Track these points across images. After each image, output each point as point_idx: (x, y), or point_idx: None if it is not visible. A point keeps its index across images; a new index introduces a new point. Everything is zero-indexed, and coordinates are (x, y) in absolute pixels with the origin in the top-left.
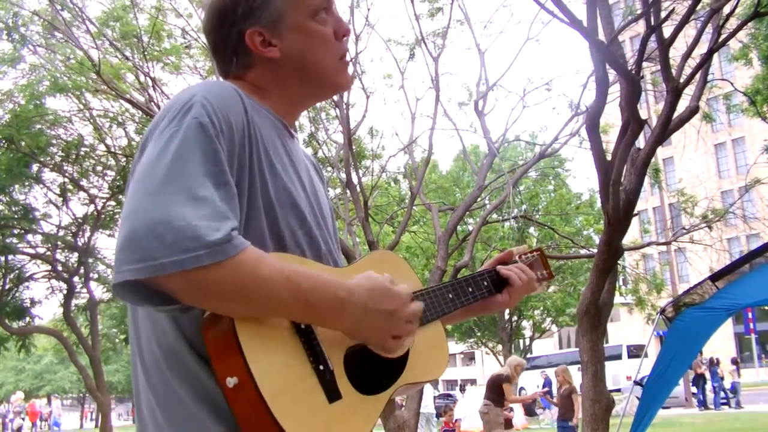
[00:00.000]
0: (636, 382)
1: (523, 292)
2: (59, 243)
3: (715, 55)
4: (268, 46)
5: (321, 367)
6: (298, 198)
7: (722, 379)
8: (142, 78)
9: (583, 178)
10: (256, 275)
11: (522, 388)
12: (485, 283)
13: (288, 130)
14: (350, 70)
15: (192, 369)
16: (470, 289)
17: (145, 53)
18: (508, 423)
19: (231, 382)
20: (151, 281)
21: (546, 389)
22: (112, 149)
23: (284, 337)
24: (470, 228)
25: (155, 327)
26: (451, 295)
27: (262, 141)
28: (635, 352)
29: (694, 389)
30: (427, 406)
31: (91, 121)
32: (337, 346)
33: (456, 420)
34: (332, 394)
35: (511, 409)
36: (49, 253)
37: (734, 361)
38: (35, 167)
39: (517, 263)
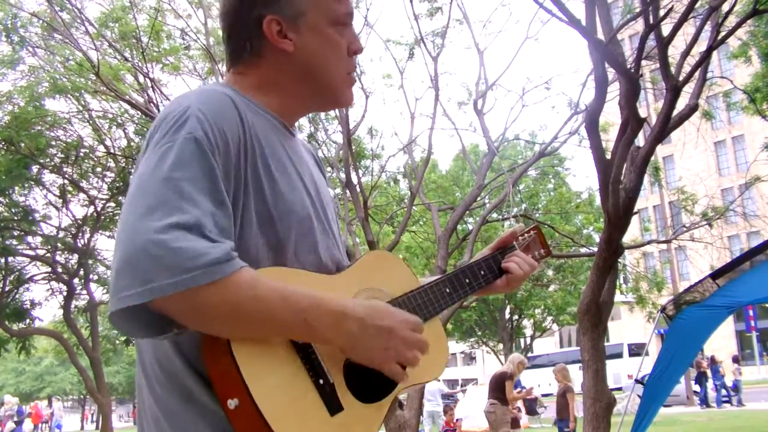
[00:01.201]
0: (637, 381)
1: (523, 279)
2: (59, 244)
3: (715, 53)
4: (284, 38)
5: (321, 381)
6: (301, 204)
7: (723, 377)
8: (141, 79)
9: (582, 176)
10: (254, 295)
11: (522, 388)
12: (482, 273)
13: (288, 129)
14: (353, 89)
15: (194, 393)
16: (467, 281)
17: (144, 54)
18: (515, 422)
19: (232, 404)
20: (149, 305)
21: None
22: (112, 150)
23: (282, 353)
24: (470, 227)
25: (157, 350)
26: (448, 290)
27: (259, 147)
28: (636, 350)
29: (696, 387)
30: (437, 404)
31: (91, 122)
32: (337, 357)
33: (457, 420)
34: (333, 406)
35: (520, 409)
36: (49, 254)
37: (735, 359)
38: (35, 169)
39: (516, 251)
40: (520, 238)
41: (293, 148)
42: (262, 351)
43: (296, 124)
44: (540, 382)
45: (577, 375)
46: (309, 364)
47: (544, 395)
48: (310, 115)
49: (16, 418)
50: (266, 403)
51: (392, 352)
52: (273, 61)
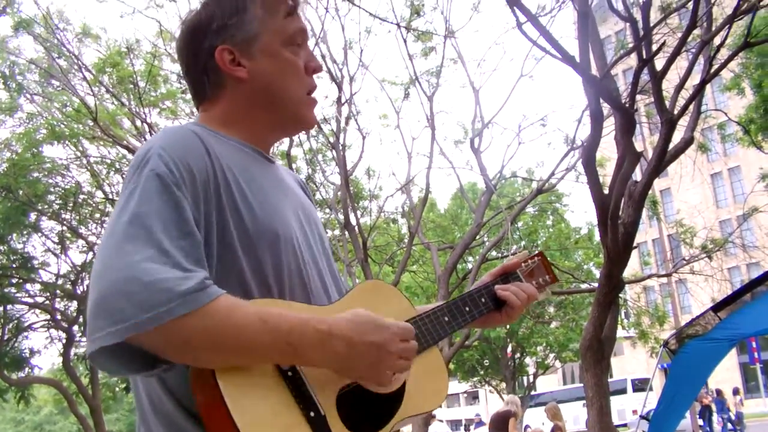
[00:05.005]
0: (642, 416)
1: (522, 309)
2: (58, 291)
3: (708, 86)
4: (237, 65)
5: (311, 414)
6: (284, 228)
7: (729, 410)
8: (138, 124)
9: (581, 212)
10: (232, 323)
11: (527, 426)
12: (483, 300)
13: (264, 156)
14: (316, 109)
15: None
16: (467, 309)
17: (142, 98)
18: None
19: None
20: (129, 342)
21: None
22: (110, 196)
23: (270, 385)
24: (470, 266)
25: (150, 392)
26: (447, 318)
27: (232, 174)
28: (640, 385)
29: (700, 422)
30: None
31: (89, 168)
32: (329, 388)
33: None
34: None
35: None
36: (48, 302)
37: (735, 391)
38: (33, 216)
39: (513, 282)
40: (523, 264)
41: (273, 174)
42: (250, 382)
43: (293, 167)
44: (544, 420)
45: (581, 412)
46: (299, 396)
47: None
48: (307, 157)
49: None
50: None
51: (382, 366)
52: (233, 91)
